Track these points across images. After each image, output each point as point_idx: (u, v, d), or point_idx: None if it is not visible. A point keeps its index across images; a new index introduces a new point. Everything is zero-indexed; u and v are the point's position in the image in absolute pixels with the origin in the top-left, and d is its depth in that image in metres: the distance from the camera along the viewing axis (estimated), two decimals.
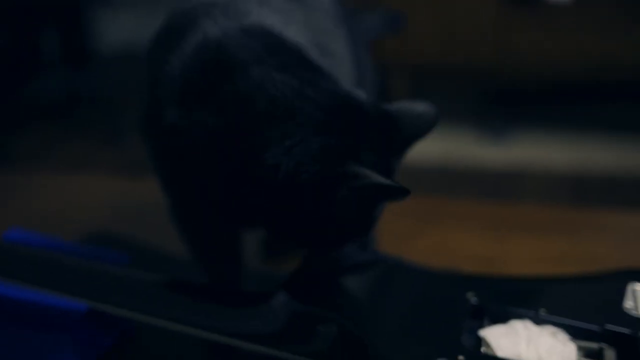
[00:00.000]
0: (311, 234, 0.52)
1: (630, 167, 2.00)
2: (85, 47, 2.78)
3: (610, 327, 0.53)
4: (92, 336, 0.60)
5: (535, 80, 2.22)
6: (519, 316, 0.54)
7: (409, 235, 0.83)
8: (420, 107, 0.54)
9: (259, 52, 0.52)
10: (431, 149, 2.01)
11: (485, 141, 2.17)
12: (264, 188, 0.50)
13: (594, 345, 0.53)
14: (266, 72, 0.51)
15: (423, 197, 0.88)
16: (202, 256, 0.63)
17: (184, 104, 0.53)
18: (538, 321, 0.53)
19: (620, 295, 0.57)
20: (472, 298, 0.55)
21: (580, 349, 0.52)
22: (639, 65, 2.01)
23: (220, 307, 0.55)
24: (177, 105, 0.53)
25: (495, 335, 0.51)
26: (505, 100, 2.33)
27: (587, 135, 2.19)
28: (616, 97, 2.21)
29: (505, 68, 2.14)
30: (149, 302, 0.55)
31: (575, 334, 0.53)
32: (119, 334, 0.64)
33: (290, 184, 0.49)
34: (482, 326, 0.53)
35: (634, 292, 0.57)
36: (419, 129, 0.54)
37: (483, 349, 0.51)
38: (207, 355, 0.61)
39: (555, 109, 2.32)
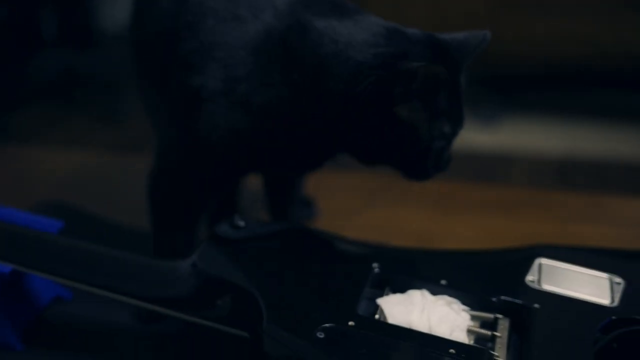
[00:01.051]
0: (386, 147, 0.58)
1: (617, 152, 2.00)
2: (86, 26, 2.80)
3: (506, 298, 0.55)
4: (21, 299, 0.63)
5: (525, 66, 2.22)
6: (419, 287, 0.55)
7: (354, 212, 0.85)
8: (464, 34, 0.59)
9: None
10: None
11: (477, 126, 2.17)
12: (338, 108, 0.56)
13: (489, 315, 0.54)
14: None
15: (376, 175, 0.90)
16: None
17: None
18: (437, 291, 0.55)
19: (526, 269, 0.58)
20: (375, 268, 0.57)
21: (475, 318, 0.54)
22: (628, 52, 2.00)
23: (135, 273, 0.57)
24: None
25: (391, 303, 0.53)
26: (496, 87, 2.33)
27: (575, 121, 2.18)
28: (605, 84, 2.20)
29: (495, 54, 2.13)
30: (68, 266, 0.58)
31: (472, 304, 0.55)
32: (50, 297, 0.66)
33: (359, 97, 0.55)
34: (382, 295, 0.55)
35: (539, 266, 0.59)
36: (465, 52, 0.59)
37: (377, 316, 0.53)
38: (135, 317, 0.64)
39: (545, 95, 2.31)
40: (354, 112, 0.56)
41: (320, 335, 0.49)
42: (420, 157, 0.59)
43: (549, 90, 2.28)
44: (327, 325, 0.49)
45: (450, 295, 0.55)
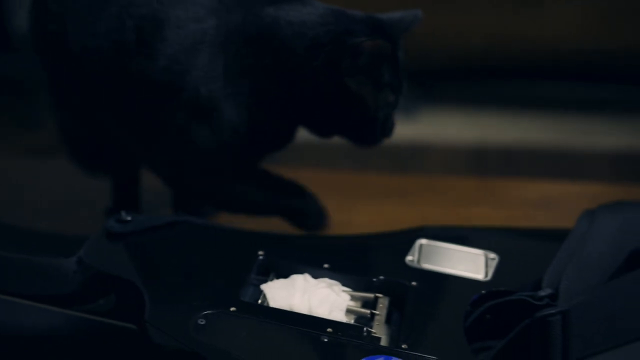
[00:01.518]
0: (338, 116, 0.64)
1: (525, 140, 2.08)
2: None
3: (386, 278, 0.57)
4: None
5: (439, 60, 2.27)
6: (302, 271, 0.57)
7: None
8: (399, 13, 0.66)
9: None
10: None
11: (397, 119, 2.22)
12: (296, 82, 0.62)
13: (370, 295, 0.57)
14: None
15: (281, 165, 0.92)
16: None
17: None
18: (319, 275, 0.57)
19: (406, 250, 0.61)
20: (261, 255, 0.58)
21: (356, 298, 0.56)
22: (534, 43, 2.08)
23: (17, 271, 0.57)
24: None
25: (273, 288, 0.55)
26: (414, 80, 2.38)
27: (486, 111, 2.25)
28: (512, 75, 2.27)
29: (411, 49, 2.18)
30: None
31: (354, 285, 0.57)
32: None
33: (314, 70, 0.61)
34: (267, 281, 0.57)
35: (419, 246, 0.62)
36: (400, 28, 0.65)
37: (259, 301, 0.54)
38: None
39: (457, 86, 2.38)
40: (310, 84, 0.62)
41: (201, 322, 0.50)
42: (368, 125, 0.65)
43: (461, 82, 2.34)
44: (208, 312, 0.51)
45: (332, 278, 0.57)
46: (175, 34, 0.62)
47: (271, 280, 0.57)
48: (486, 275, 0.59)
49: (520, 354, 0.54)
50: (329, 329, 0.51)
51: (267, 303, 0.54)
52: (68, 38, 0.66)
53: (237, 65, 0.62)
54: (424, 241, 0.62)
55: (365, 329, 0.52)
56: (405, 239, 0.62)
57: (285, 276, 0.57)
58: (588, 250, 0.60)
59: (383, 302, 0.56)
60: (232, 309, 0.52)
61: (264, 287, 0.55)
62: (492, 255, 0.61)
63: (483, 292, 0.56)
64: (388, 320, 0.55)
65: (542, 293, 0.56)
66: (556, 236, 0.63)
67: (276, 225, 0.74)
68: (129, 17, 0.62)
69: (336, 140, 0.68)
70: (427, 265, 0.60)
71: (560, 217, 0.67)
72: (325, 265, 0.58)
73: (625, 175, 2.05)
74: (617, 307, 0.56)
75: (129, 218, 0.59)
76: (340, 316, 0.53)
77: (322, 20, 0.62)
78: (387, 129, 0.67)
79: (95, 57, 0.64)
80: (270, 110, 0.64)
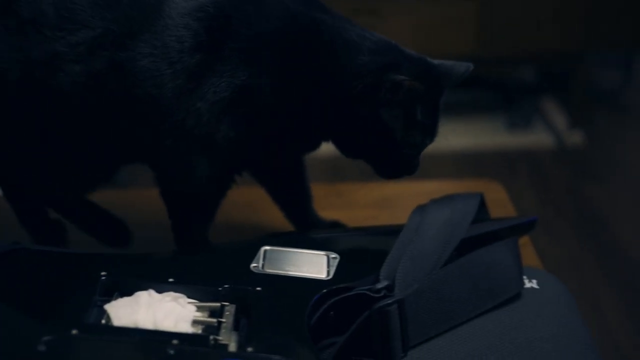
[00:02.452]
0: (365, 142, 0.65)
1: None
2: None
3: (232, 286, 0.58)
4: None
5: None
6: (146, 287, 0.57)
7: None
8: (452, 62, 0.67)
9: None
10: None
11: None
12: (335, 99, 0.63)
13: (216, 304, 0.58)
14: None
15: None
16: None
17: None
18: (164, 289, 0.57)
19: (251, 257, 0.63)
20: (103, 276, 0.58)
21: (203, 309, 0.57)
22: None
23: None
24: None
25: (116, 307, 0.55)
26: None
27: None
28: None
29: None
30: None
31: (200, 296, 0.58)
32: None
33: (354, 93, 0.62)
34: (110, 301, 0.56)
35: (263, 252, 0.64)
36: (450, 78, 0.66)
37: (103, 321, 0.54)
38: None
39: None
40: (347, 105, 0.63)
41: (42, 348, 0.49)
42: (391, 158, 0.66)
43: None
44: (47, 337, 0.50)
45: (178, 291, 0.57)
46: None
47: (115, 299, 0.56)
48: (328, 274, 0.62)
49: (363, 345, 0.58)
50: (175, 341, 0.51)
51: (111, 322, 0.54)
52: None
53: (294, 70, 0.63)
54: (267, 247, 0.64)
55: (211, 337, 0.53)
56: (250, 246, 0.64)
57: (130, 294, 0.57)
58: (420, 241, 0.65)
59: (229, 310, 0.57)
60: (74, 331, 0.51)
61: (107, 306, 0.55)
62: (333, 255, 0.64)
63: (324, 290, 0.59)
64: (236, 327, 0.56)
65: (379, 285, 0.59)
66: (393, 232, 0.67)
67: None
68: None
69: None
70: (271, 270, 0.61)
71: (400, 215, 0.71)
72: (170, 280, 0.58)
73: (465, 172, 2.19)
74: (445, 293, 0.61)
75: None
76: (186, 327, 0.54)
77: (375, 47, 0.63)
78: (410, 166, 0.67)
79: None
80: (301, 122, 0.65)
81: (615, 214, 1.99)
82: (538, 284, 0.68)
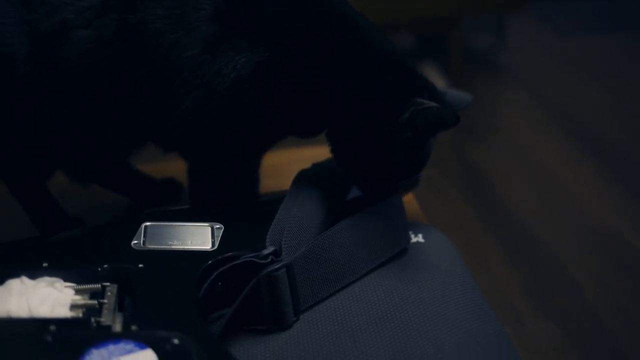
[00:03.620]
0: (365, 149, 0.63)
1: None
2: None
3: (112, 265, 0.56)
4: None
5: None
6: (18, 275, 0.54)
7: None
8: (460, 93, 0.70)
9: None
10: None
11: None
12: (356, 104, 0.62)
13: (96, 285, 0.55)
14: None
15: None
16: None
17: None
18: (38, 275, 0.54)
19: (132, 235, 0.60)
20: None
21: (83, 291, 0.54)
22: None
23: None
24: None
25: None
26: None
27: None
28: None
29: None
30: None
31: (78, 279, 0.55)
32: None
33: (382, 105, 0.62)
34: None
35: (144, 229, 0.61)
36: (457, 106, 0.67)
37: None
38: None
39: None
40: (361, 112, 0.62)
41: None
42: (376, 175, 0.66)
43: None
44: None
45: (53, 276, 0.54)
46: None
47: None
48: (213, 245, 0.60)
49: (254, 313, 0.57)
50: (52, 327, 0.48)
51: None
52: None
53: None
54: (148, 223, 0.61)
55: (93, 319, 0.50)
56: (128, 225, 0.61)
57: (0, 283, 0.53)
58: (304, 205, 0.64)
59: (111, 290, 0.54)
60: None
61: None
62: (217, 225, 0.62)
63: (210, 261, 0.57)
64: (120, 308, 0.54)
65: (265, 252, 0.58)
66: (277, 199, 0.66)
67: None
68: None
69: None
70: (153, 246, 0.59)
71: (286, 183, 0.70)
72: (45, 264, 0.55)
73: None
74: (334, 253, 0.61)
75: None
76: (65, 312, 0.51)
77: (400, 65, 0.63)
78: (387, 190, 0.67)
79: None
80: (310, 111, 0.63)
81: (496, 172, 2.07)
82: (423, 237, 0.69)
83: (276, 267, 0.57)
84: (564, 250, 1.74)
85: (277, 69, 0.60)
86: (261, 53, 0.59)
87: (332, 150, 0.67)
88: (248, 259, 0.58)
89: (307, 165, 0.73)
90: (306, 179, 0.68)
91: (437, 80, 2.51)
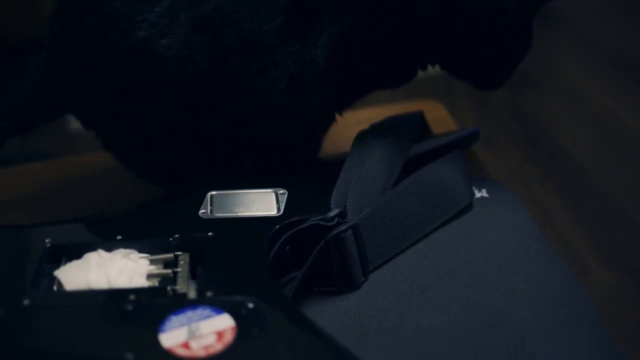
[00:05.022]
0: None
1: None
2: None
3: (183, 235, 0.57)
4: None
5: None
6: (95, 248, 0.55)
7: None
8: None
9: None
10: None
11: None
12: None
13: (169, 255, 0.56)
14: None
15: None
16: None
17: None
18: (113, 247, 0.56)
19: (198, 205, 0.61)
20: (48, 243, 0.56)
21: (157, 262, 0.56)
22: None
23: None
24: None
25: (66, 271, 0.53)
26: None
27: None
28: None
29: None
30: None
31: (152, 250, 0.56)
32: None
33: None
34: (59, 267, 0.54)
35: (210, 198, 0.62)
36: None
37: (55, 288, 0.52)
38: None
39: None
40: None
41: None
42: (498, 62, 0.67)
43: None
44: None
45: (127, 247, 0.56)
46: None
47: (63, 265, 0.55)
48: (279, 210, 0.61)
49: (323, 276, 0.57)
50: (132, 296, 0.50)
51: (63, 288, 0.52)
52: None
53: None
54: (214, 192, 0.62)
55: (169, 288, 0.52)
56: (194, 195, 0.62)
57: (79, 258, 0.55)
58: (366, 166, 0.64)
59: (184, 259, 0.56)
60: (26, 302, 0.49)
61: (56, 273, 0.53)
62: (281, 191, 0.63)
63: (277, 226, 0.58)
64: (193, 276, 0.55)
65: (331, 214, 0.59)
66: (338, 162, 0.66)
67: None
68: None
69: None
70: (220, 214, 0.60)
71: (343, 145, 0.70)
72: (119, 237, 0.57)
73: (401, 96, 2.19)
74: (398, 211, 0.61)
75: None
76: (142, 282, 0.53)
77: None
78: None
79: None
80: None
81: (555, 123, 2.03)
82: (487, 192, 0.69)
83: (343, 228, 0.57)
84: (629, 198, 1.70)
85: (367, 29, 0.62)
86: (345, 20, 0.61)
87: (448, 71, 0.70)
88: (314, 222, 0.58)
89: (361, 126, 0.72)
90: (366, 139, 0.68)
91: None
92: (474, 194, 0.67)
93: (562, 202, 1.71)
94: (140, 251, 0.56)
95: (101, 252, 0.55)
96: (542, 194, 1.74)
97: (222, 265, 0.55)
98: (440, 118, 0.89)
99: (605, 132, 1.95)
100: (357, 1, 0.62)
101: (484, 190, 0.69)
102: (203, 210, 0.60)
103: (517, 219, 0.65)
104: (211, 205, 0.61)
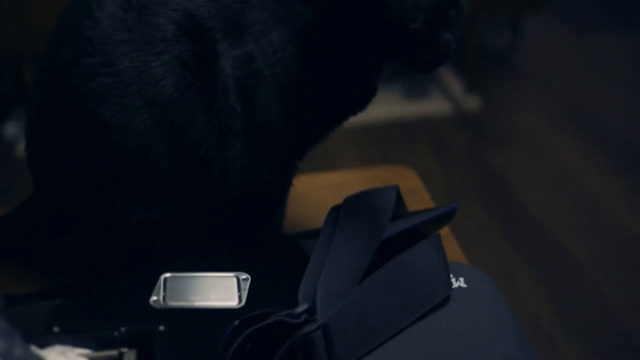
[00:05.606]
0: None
1: None
2: None
3: (129, 327, 0.50)
4: None
5: None
6: (25, 342, 0.48)
7: None
8: None
9: None
10: None
11: None
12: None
13: (113, 352, 0.50)
14: None
15: None
16: None
17: None
18: (49, 342, 0.49)
19: (150, 289, 0.55)
20: None
21: (99, 359, 0.49)
22: None
23: None
24: None
25: None
26: None
27: None
28: None
29: None
30: None
31: (94, 345, 0.50)
32: None
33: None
34: None
35: (164, 281, 0.56)
36: None
37: None
38: None
39: None
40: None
41: None
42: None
43: None
44: None
45: (64, 342, 0.49)
46: None
47: None
48: (240, 300, 0.55)
49: None
50: None
51: None
52: None
53: None
54: (168, 275, 0.56)
55: None
56: (147, 276, 0.56)
57: (5, 356, 0.48)
58: (338, 252, 0.59)
59: (129, 357, 0.49)
60: None
61: None
62: (244, 276, 0.57)
63: (237, 322, 0.52)
64: None
65: (299, 309, 0.53)
66: (306, 238, 0.61)
67: None
68: None
69: None
70: (174, 303, 0.54)
71: (309, 213, 0.66)
72: (55, 329, 0.50)
73: (364, 145, 2.15)
74: (372, 307, 0.55)
75: None
76: None
77: None
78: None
79: None
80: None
81: (516, 177, 2.01)
82: (465, 281, 0.63)
83: (312, 328, 0.51)
84: (588, 259, 1.68)
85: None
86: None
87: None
88: (279, 318, 0.52)
89: (329, 191, 0.68)
90: (339, 218, 0.63)
91: (453, 81, 2.46)
92: (451, 286, 0.62)
93: (522, 260, 1.68)
94: (79, 345, 0.49)
95: (32, 349, 0.48)
96: (504, 252, 1.71)
97: None
98: (413, 187, 0.85)
99: (567, 190, 1.94)
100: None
101: (461, 280, 0.64)
102: (155, 298, 0.54)
103: (496, 318, 0.60)
104: (164, 290, 0.55)
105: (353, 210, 0.65)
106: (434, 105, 2.40)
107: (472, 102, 2.37)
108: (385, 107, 2.34)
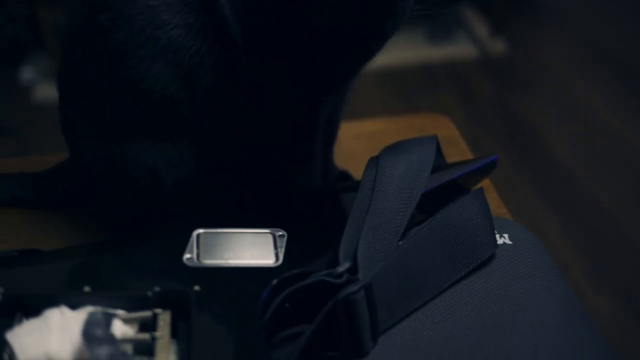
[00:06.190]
0: None
1: None
2: None
3: (163, 287, 0.48)
4: None
5: None
6: (57, 302, 0.46)
7: None
8: None
9: None
10: None
11: None
12: None
13: (147, 313, 0.47)
14: None
15: None
16: None
17: None
18: (79, 303, 0.46)
19: (183, 247, 0.52)
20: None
21: (132, 321, 0.47)
22: None
23: None
24: None
25: (21, 335, 0.44)
26: None
27: None
28: None
29: None
30: None
31: (126, 305, 0.47)
32: None
33: None
34: (12, 326, 0.45)
35: (197, 238, 0.53)
36: None
37: (6, 357, 0.43)
38: None
39: None
40: None
41: None
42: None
43: None
44: None
45: (96, 302, 0.47)
46: None
47: (18, 323, 0.45)
48: (277, 258, 0.52)
49: (328, 339, 0.49)
50: None
51: (16, 358, 0.43)
52: None
53: None
54: (201, 231, 0.53)
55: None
56: (179, 232, 0.53)
57: (36, 313, 0.46)
58: (378, 206, 0.55)
59: (164, 319, 0.47)
60: None
61: (9, 336, 0.44)
62: (280, 232, 0.54)
63: (275, 281, 0.49)
64: (174, 334, 0.46)
65: (340, 269, 0.50)
66: (345, 191, 0.58)
67: None
68: None
69: None
70: (209, 261, 0.51)
71: (345, 163, 0.62)
72: (86, 288, 0.47)
73: (390, 90, 2.10)
74: (416, 265, 0.53)
75: None
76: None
77: None
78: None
79: None
80: None
81: (543, 122, 1.96)
82: (510, 238, 0.60)
83: (355, 289, 0.48)
84: (620, 208, 1.64)
85: None
86: None
87: None
88: (320, 278, 0.49)
89: (364, 141, 0.64)
90: (378, 168, 0.59)
91: (478, 23, 2.38)
92: (497, 243, 0.59)
93: (550, 210, 1.64)
94: (111, 306, 0.47)
95: (65, 311, 0.45)
96: (530, 199, 1.67)
97: (210, 329, 0.46)
98: (450, 138, 0.81)
99: (594, 134, 1.89)
100: None
101: (506, 236, 0.61)
102: (188, 255, 0.51)
103: (544, 276, 0.57)
104: (197, 248, 0.52)
105: (392, 162, 0.61)
106: (458, 49, 2.34)
107: (497, 46, 2.30)
108: (408, 51, 2.28)
